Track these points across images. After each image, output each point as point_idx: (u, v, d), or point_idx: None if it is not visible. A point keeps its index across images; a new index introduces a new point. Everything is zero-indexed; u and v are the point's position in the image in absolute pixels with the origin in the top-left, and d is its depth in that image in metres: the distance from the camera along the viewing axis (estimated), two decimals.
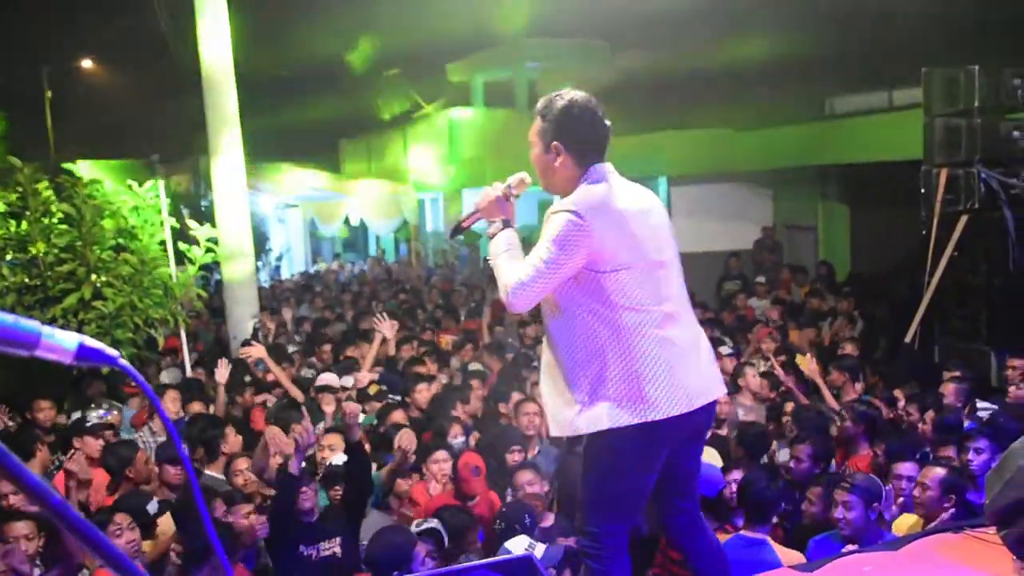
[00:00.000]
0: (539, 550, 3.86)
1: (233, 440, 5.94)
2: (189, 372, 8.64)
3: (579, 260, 2.97)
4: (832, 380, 6.77)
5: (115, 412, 6.77)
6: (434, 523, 4.43)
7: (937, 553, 3.57)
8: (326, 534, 4.77)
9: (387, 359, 8.09)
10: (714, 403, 3.22)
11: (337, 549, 4.76)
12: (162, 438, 6.52)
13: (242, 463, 5.40)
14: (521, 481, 4.82)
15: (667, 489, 3.33)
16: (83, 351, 1.35)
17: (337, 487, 5.18)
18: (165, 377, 8.73)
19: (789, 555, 4.19)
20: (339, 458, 5.31)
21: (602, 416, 3.01)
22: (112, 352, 1.38)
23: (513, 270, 3.04)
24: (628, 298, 3.00)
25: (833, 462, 5.51)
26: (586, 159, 3.12)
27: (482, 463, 5.16)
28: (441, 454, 5.43)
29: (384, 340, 7.96)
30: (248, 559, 4.66)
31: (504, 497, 5.13)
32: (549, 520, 4.74)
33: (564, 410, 3.12)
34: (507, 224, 3.19)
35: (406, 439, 5.30)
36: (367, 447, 5.39)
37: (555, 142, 3.11)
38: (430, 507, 4.97)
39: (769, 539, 4.27)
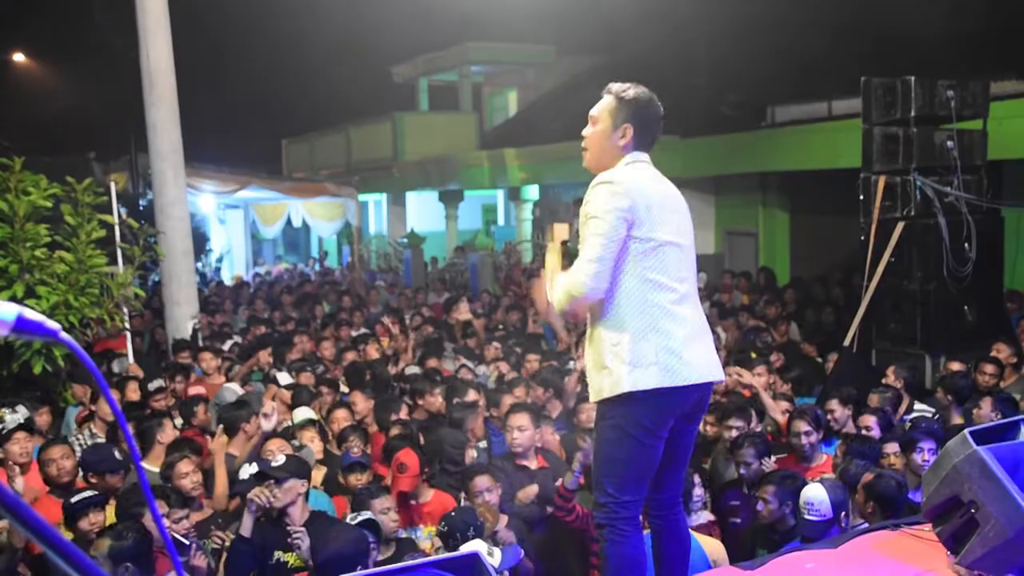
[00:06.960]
0: (496, 557, 3.81)
1: (170, 432, 5.78)
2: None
3: (623, 224, 3.18)
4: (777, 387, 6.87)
5: (42, 413, 6.56)
6: (368, 515, 4.36)
7: (875, 550, 3.66)
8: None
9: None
10: (711, 384, 3.39)
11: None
12: (101, 438, 6.24)
13: (186, 465, 5.06)
14: (479, 487, 4.69)
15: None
16: (22, 323, 1.27)
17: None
18: (117, 367, 8.56)
19: (709, 544, 4.29)
20: (279, 459, 5.19)
21: (622, 380, 3.18)
22: (53, 325, 1.30)
23: (575, 267, 3.23)
24: (655, 271, 3.23)
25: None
26: (639, 146, 3.40)
27: (414, 461, 5.06)
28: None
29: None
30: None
31: (459, 499, 5.04)
32: (503, 522, 4.64)
33: (595, 375, 3.31)
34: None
35: None
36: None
37: (627, 124, 3.36)
38: None
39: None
